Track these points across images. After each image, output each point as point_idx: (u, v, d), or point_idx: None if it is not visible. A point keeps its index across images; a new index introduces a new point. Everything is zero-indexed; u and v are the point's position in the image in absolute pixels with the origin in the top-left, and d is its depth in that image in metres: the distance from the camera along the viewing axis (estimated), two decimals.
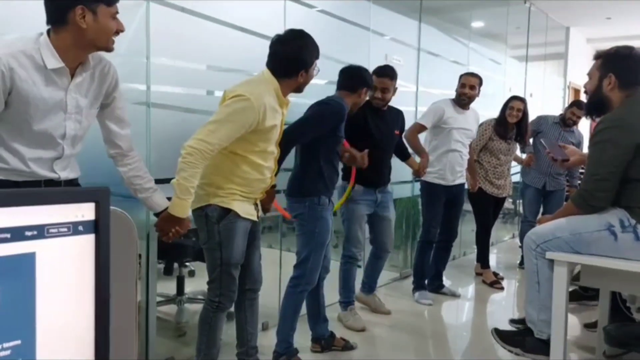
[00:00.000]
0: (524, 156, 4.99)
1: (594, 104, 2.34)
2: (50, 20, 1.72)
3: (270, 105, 2.23)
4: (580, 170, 5.61)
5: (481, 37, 6.34)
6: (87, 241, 0.61)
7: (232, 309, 2.51)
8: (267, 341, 3.06)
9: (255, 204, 2.41)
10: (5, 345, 0.54)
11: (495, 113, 4.69)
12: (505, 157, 4.57)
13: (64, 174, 1.86)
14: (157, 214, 2.13)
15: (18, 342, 0.54)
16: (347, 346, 3.14)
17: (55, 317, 0.57)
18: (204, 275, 2.42)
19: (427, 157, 3.76)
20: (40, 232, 0.56)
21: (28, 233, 0.55)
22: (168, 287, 3.67)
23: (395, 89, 3.44)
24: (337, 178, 2.98)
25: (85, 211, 0.60)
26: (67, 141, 1.83)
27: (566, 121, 4.85)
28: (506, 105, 4.47)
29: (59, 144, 1.81)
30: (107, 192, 0.62)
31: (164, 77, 2.92)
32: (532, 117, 5.27)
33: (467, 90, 3.95)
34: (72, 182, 1.93)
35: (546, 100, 7.66)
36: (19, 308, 0.54)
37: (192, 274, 4.20)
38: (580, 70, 9.39)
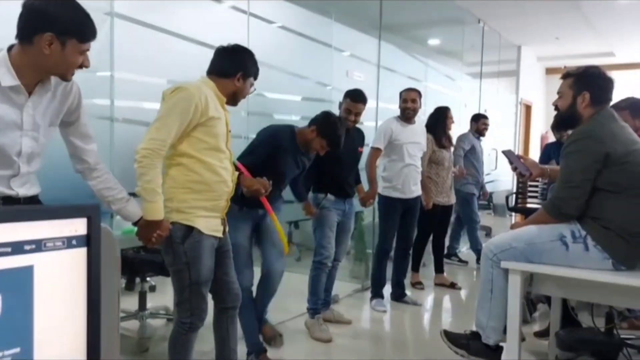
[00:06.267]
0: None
1: (566, 119, 2.48)
2: (18, 35, 1.71)
3: (211, 96, 2.23)
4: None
5: (438, 55, 6.56)
6: (80, 254, 0.64)
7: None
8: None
9: (223, 219, 2.36)
10: (6, 352, 0.57)
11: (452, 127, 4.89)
12: (449, 164, 4.83)
13: (23, 191, 1.83)
14: (135, 224, 2.11)
15: (17, 349, 0.58)
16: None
17: (51, 325, 0.61)
18: (165, 290, 2.38)
19: (375, 191, 4.00)
20: (38, 246, 0.59)
21: (27, 247, 0.58)
22: (129, 302, 3.62)
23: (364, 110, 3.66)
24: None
25: (78, 226, 0.64)
26: (22, 159, 1.79)
27: (481, 132, 5.57)
28: (445, 116, 4.74)
29: (15, 162, 1.78)
30: (97, 208, 0.66)
31: (126, 92, 2.93)
32: (490, 131, 5.65)
33: (410, 104, 4.15)
34: (32, 199, 1.89)
35: (500, 116, 7.95)
36: (18, 318, 0.58)
37: (152, 289, 4.15)
38: (531, 87, 9.80)
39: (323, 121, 3.06)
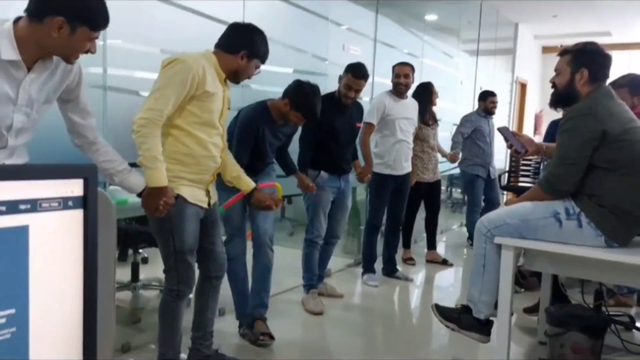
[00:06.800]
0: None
1: (563, 97, 2.46)
2: (28, 9, 1.65)
3: (209, 70, 2.22)
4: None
5: (435, 31, 6.49)
6: (76, 216, 0.63)
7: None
8: (225, 327, 3.09)
9: (207, 191, 2.38)
10: (1, 313, 0.55)
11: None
12: (433, 142, 4.81)
13: (9, 162, 1.80)
14: (139, 195, 2.10)
15: (12, 310, 0.56)
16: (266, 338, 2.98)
17: (47, 287, 0.60)
18: (157, 261, 2.40)
19: (371, 166, 3.96)
20: (34, 206, 0.58)
21: (22, 207, 0.57)
22: (122, 273, 3.62)
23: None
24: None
25: (75, 187, 0.62)
26: (12, 133, 1.76)
27: (490, 110, 5.37)
28: (430, 92, 4.68)
29: (3, 135, 1.74)
30: (94, 169, 0.65)
31: (119, 61, 2.88)
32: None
33: (402, 79, 4.10)
34: None
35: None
36: (13, 278, 0.56)
37: (145, 260, 4.15)
38: (527, 65, 9.75)
39: (294, 93, 2.94)
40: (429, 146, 4.75)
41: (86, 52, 1.75)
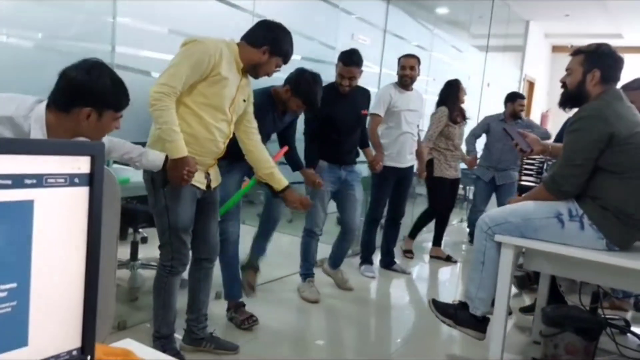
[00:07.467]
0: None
1: (573, 97, 2.44)
2: (54, 100, 1.67)
3: (227, 56, 2.24)
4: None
5: (445, 24, 6.45)
6: (82, 193, 0.62)
7: (185, 276, 2.53)
8: (219, 310, 3.10)
9: (207, 173, 2.39)
10: (2, 287, 0.55)
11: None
12: (459, 141, 4.77)
13: None
14: (164, 169, 2.16)
15: (14, 284, 0.56)
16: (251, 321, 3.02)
17: (49, 262, 0.59)
18: (156, 242, 2.42)
19: (382, 154, 3.94)
20: (39, 181, 0.57)
21: (28, 181, 0.56)
22: (121, 252, 3.61)
23: (360, 72, 3.49)
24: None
25: (82, 164, 0.62)
26: None
27: (517, 114, 5.02)
28: (458, 89, 4.62)
29: None
30: (102, 147, 0.64)
31: (127, 39, 2.87)
32: (489, 106, 5.48)
33: (408, 71, 4.07)
34: None
35: (502, 91, 7.87)
36: (16, 252, 0.56)
37: (144, 240, 4.16)
38: (536, 64, 9.68)
39: (296, 79, 2.94)
40: (453, 145, 4.68)
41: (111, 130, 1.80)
